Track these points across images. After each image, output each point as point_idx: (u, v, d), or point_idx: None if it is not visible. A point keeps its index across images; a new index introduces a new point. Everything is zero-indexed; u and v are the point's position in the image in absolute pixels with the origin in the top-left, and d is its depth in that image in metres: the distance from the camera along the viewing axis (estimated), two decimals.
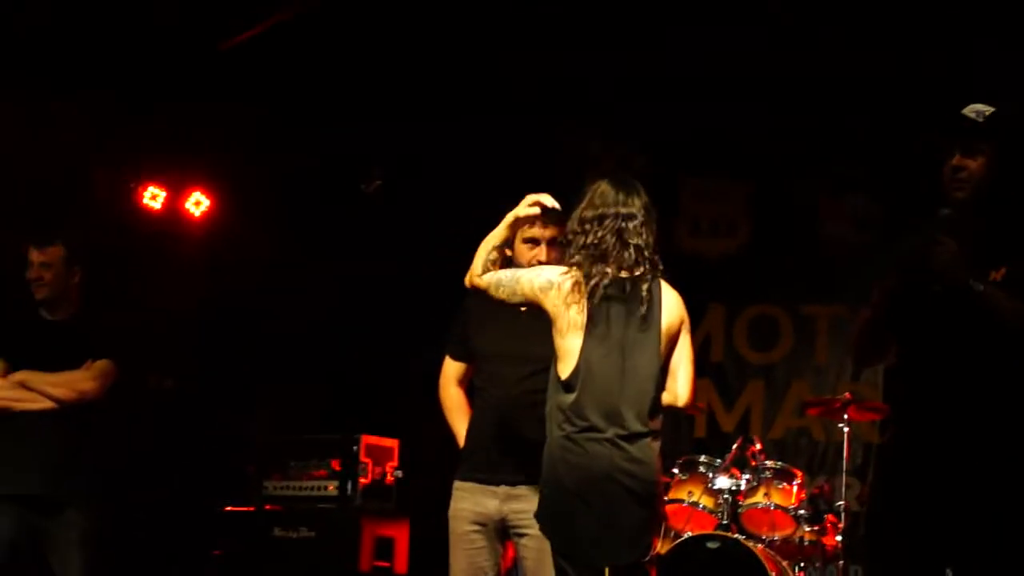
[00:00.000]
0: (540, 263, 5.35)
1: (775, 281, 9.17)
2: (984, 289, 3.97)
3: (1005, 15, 7.56)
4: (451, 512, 5.51)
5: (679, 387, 5.14)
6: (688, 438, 9.06)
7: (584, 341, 4.90)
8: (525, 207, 5.17)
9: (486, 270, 5.09)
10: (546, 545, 5.00)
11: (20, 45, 7.96)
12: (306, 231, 9.15)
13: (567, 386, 4.90)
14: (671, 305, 5.09)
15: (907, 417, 4.32)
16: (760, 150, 9.18)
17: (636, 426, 4.89)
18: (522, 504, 5.28)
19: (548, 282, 4.98)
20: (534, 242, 5.45)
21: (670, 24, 8.45)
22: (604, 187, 5.09)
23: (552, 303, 4.95)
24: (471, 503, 5.46)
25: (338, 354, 9.03)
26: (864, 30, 8.17)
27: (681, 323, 5.13)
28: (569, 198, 5.10)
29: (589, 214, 5.06)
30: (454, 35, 8.51)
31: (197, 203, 9.31)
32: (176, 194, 9.25)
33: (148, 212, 9.16)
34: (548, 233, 5.43)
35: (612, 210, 5.04)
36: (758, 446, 7.69)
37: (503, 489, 5.40)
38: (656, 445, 4.98)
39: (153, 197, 9.16)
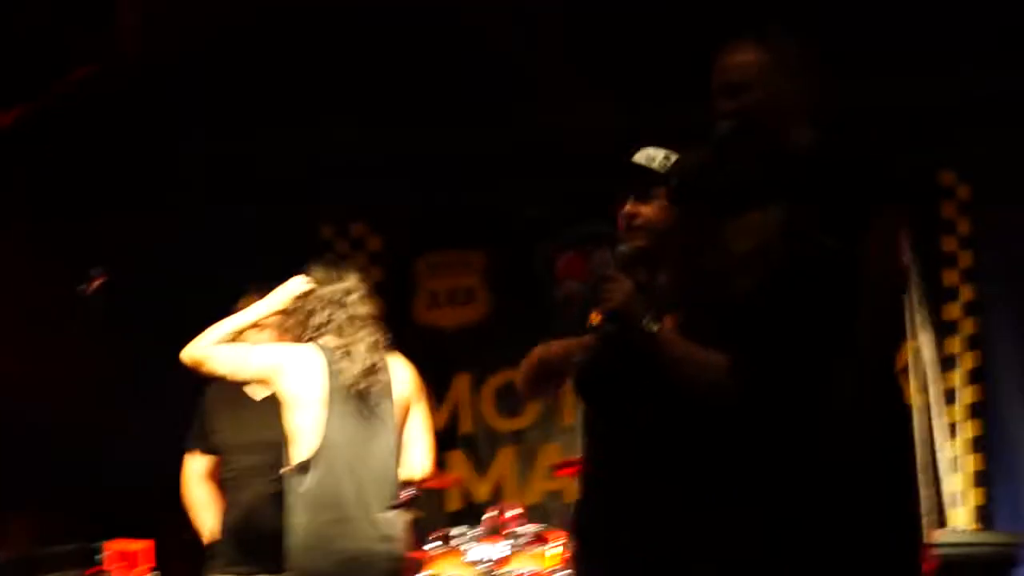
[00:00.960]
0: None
1: (517, 346, 9.14)
2: (656, 331, 3.73)
3: None
4: None
5: (416, 459, 5.17)
6: (440, 512, 9.01)
7: (324, 420, 4.86)
8: (292, 298, 5.13)
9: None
10: None
11: None
12: (43, 333, 8.88)
13: (306, 468, 4.84)
14: (403, 376, 5.12)
15: (583, 474, 4.10)
16: (493, 217, 9.26)
17: (384, 502, 4.88)
18: None
19: (280, 360, 4.93)
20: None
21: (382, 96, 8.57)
22: (316, 271, 5.13)
23: (285, 382, 4.91)
24: None
25: (84, 459, 8.74)
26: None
27: (415, 392, 5.15)
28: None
29: (310, 296, 5.07)
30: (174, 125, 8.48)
31: None
32: None
33: None
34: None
35: (330, 288, 5.07)
36: (512, 512, 7.67)
37: None
38: (403, 519, 4.96)
39: None
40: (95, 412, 8.56)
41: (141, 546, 7.55)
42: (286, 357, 4.98)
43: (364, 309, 5.18)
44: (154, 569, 7.48)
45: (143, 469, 7.77)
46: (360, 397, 4.98)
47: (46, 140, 8.40)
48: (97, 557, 7.36)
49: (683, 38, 7.02)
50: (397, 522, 4.98)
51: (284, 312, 5.21)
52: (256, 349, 5.07)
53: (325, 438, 4.90)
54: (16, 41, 7.31)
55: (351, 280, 5.22)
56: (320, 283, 5.17)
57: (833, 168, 3.81)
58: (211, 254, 8.80)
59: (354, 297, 5.18)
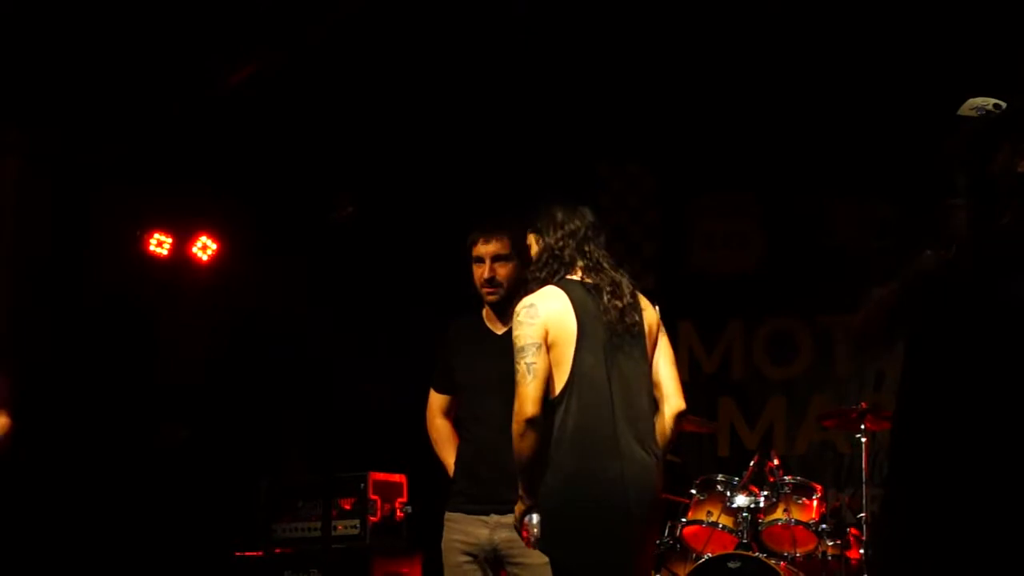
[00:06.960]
0: (487, 280, 5.39)
1: (791, 293, 8.96)
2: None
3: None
4: (443, 544, 5.47)
5: (672, 392, 5.00)
6: (711, 457, 8.90)
7: (579, 357, 4.78)
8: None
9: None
10: (540, 572, 4.93)
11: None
12: (313, 269, 9.07)
13: (557, 405, 4.77)
14: (647, 311, 5.00)
15: (905, 451, 3.73)
16: (768, 161, 9.03)
17: (641, 443, 4.79)
18: (512, 532, 5.15)
19: (537, 332, 4.81)
20: (479, 261, 5.44)
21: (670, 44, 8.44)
22: (559, 210, 5.02)
23: (550, 337, 4.80)
24: (461, 534, 5.41)
25: (345, 391, 8.91)
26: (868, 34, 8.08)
27: (658, 327, 5.03)
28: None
29: (558, 234, 4.97)
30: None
31: (204, 247, 9.26)
32: (183, 239, 9.20)
33: (155, 259, 9.13)
34: (491, 248, 5.43)
35: (575, 226, 4.98)
36: (776, 462, 7.49)
37: (493, 518, 5.34)
38: (659, 461, 4.87)
39: (159, 244, 9.13)
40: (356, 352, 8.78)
41: (399, 479, 7.71)
42: (535, 323, 4.84)
43: (603, 249, 5.08)
44: (406, 504, 7.61)
45: (401, 407, 7.92)
46: (617, 334, 4.87)
47: None
48: (362, 486, 7.53)
49: None
50: (653, 463, 4.86)
51: (508, 243, 5.22)
52: (525, 357, 4.90)
53: (577, 375, 4.79)
54: None
55: (592, 219, 5.10)
56: (568, 221, 5.06)
57: None
58: (470, 190, 8.86)
59: (601, 238, 5.07)
